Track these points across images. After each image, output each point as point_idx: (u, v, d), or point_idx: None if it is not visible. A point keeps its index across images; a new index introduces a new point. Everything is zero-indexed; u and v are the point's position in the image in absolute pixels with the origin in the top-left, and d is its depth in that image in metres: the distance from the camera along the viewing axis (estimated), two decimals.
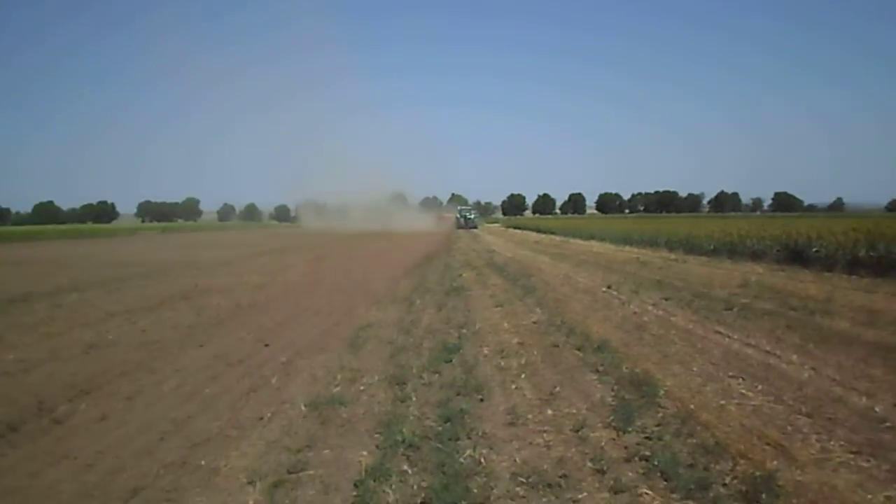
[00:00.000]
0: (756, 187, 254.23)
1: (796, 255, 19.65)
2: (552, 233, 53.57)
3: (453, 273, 19.19)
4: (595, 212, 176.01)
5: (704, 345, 8.47)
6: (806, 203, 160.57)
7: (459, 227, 76.84)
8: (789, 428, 5.27)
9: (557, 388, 6.64)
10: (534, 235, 51.50)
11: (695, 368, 7.27)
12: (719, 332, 9.26)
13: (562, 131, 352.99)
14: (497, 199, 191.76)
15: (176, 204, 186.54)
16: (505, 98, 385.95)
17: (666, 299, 12.44)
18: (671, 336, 9.11)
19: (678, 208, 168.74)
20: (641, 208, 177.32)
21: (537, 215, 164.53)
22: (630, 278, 16.58)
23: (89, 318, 11.78)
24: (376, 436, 5.39)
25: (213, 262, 26.35)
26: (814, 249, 18.76)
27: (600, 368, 7.32)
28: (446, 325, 10.40)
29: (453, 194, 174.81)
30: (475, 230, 70.66)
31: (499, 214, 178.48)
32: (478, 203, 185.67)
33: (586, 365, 7.54)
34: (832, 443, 4.93)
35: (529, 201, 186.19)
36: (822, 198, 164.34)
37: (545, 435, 5.31)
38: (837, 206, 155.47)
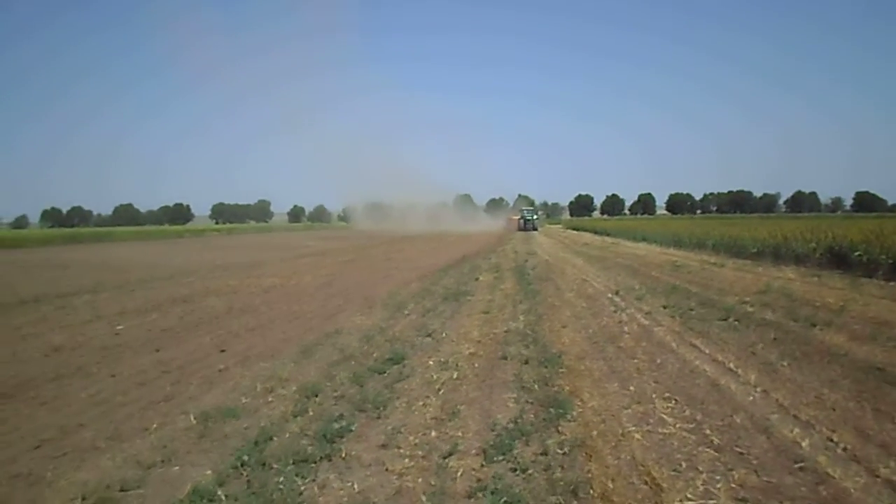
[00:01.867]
0: (837, 186, 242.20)
1: (840, 259, 18.34)
2: (607, 234, 52.31)
3: (471, 277, 18.63)
4: (665, 212, 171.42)
5: (666, 360, 7.75)
6: (890, 203, 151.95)
7: (519, 228, 75.04)
8: (684, 465, 4.60)
9: (462, 407, 6.10)
10: (587, 237, 50.31)
11: (632, 388, 6.59)
12: (694, 346, 8.49)
13: (633, 131, 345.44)
14: (565, 200, 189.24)
15: (248, 206, 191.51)
16: (576, 98, 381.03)
17: (665, 307, 11.64)
18: (638, 349, 8.40)
19: (753, 208, 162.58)
20: (714, 209, 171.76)
21: (605, 216, 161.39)
22: (647, 283, 15.72)
23: (76, 320, 11.97)
24: (238, 452, 5.03)
25: (247, 264, 26.67)
26: (856, 253, 17.39)
27: (528, 385, 6.73)
28: (415, 333, 9.96)
29: (520, 195, 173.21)
30: (534, 232, 68.65)
31: (567, 215, 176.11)
32: (545, 204, 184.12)
33: (517, 381, 6.96)
34: (720, 485, 4.25)
35: (598, 201, 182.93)
36: None
37: (407, 461, 4.82)
38: None
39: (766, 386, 6.47)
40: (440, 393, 6.62)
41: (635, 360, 7.77)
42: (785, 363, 7.39)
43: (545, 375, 7.10)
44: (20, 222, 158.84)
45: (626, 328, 9.87)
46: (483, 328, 10.19)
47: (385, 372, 7.58)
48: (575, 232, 67.57)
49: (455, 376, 7.27)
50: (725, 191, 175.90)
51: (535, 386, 6.71)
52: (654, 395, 6.28)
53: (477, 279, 17.97)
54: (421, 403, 6.28)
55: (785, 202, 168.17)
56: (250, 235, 78.56)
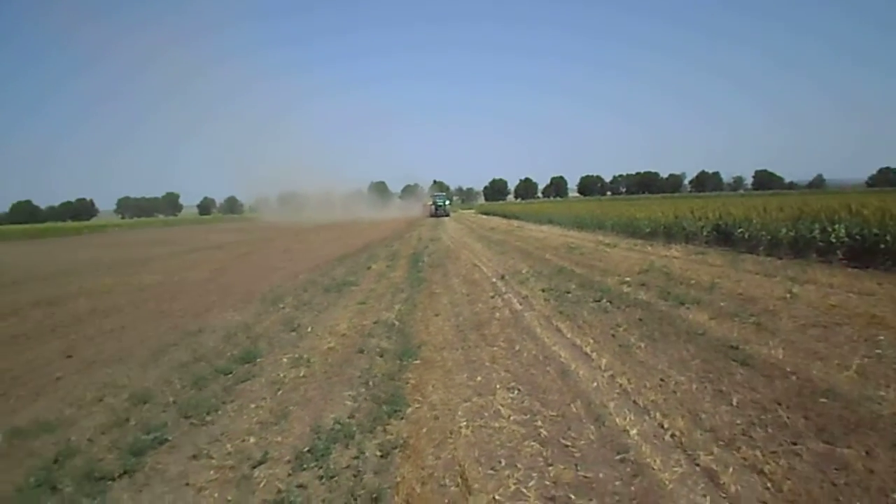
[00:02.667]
0: (738, 166, 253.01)
1: (725, 237, 18.78)
2: (516, 218, 52.77)
3: (364, 266, 18.12)
4: (577, 195, 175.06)
5: (524, 347, 7.48)
6: (787, 180, 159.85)
7: (431, 214, 74.59)
8: (503, 462, 4.32)
9: (294, 408, 5.64)
10: (496, 221, 50.55)
11: (479, 378, 6.27)
12: (558, 330, 8.28)
13: (545, 115, 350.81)
14: (480, 185, 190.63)
15: (156, 199, 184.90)
16: (490, 83, 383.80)
17: (544, 290, 11.45)
18: (501, 336, 8.12)
19: (660, 188, 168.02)
20: (623, 190, 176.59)
21: (519, 200, 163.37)
22: (536, 266, 15.57)
23: None
24: (32, 473, 4.59)
25: (136, 260, 25.53)
26: (738, 230, 17.81)
27: (373, 381, 6.31)
28: (281, 329, 9.44)
29: (434, 181, 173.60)
30: (445, 217, 68.29)
31: (482, 200, 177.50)
32: (459, 189, 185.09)
33: (364, 376, 6.57)
34: (533, 483, 3.97)
35: (512, 186, 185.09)
36: (804, 175, 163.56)
37: (213, 472, 4.40)
38: (818, 184, 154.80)
39: (615, 370, 6.26)
40: (278, 394, 6.16)
41: (493, 349, 7.47)
42: (642, 345, 7.23)
43: (394, 370, 6.74)
44: None
45: (497, 314, 9.58)
46: (353, 320, 9.75)
47: (231, 373, 7.07)
48: (485, 216, 67.92)
49: (302, 374, 6.84)
50: (634, 172, 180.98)
51: (381, 381, 6.31)
52: (498, 386, 5.98)
53: (369, 268, 17.50)
54: (254, 406, 5.81)
55: (690, 182, 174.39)
56: (153, 230, 75.54)
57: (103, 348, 8.97)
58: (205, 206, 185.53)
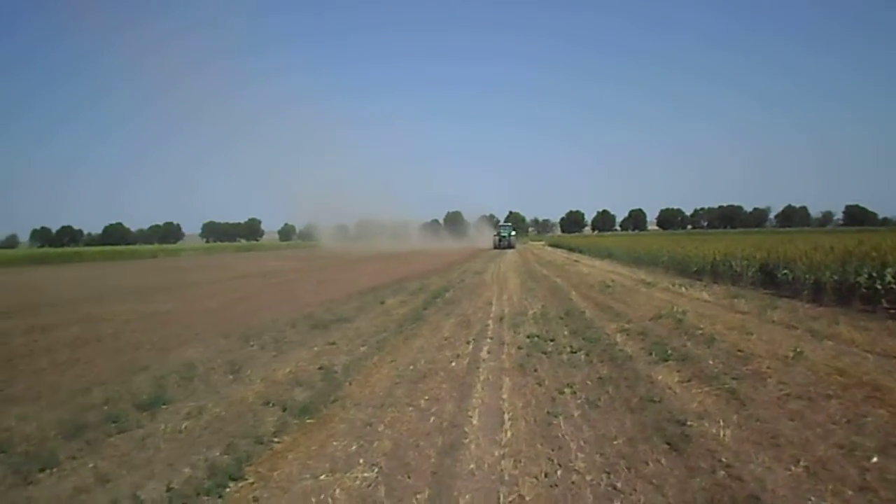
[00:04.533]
0: (827, 200, 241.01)
1: (771, 278, 17.15)
2: (579, 251, 51.48)
3: (379, 299, 17.41)
4: (657, 228, 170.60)
5: (442, 409, 6.53)
6: (880, 216, 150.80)
7: (495, 246, 71.14)
8: None
9: (125, 473, 4.83)
10: (557, 255, 49.28)
11: (353, 447, 5.36)
12: (499, 389, 7.29)
13: (625, 147, 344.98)
14: (556, 217, 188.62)
15: (238, 224, 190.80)
16: (564, 117, 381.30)
17: (529, 336, 10.45)
18: (430, 393, 7.19)
19: (744, 223, 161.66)
20: (705, 224, 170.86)
21: (596, 232, 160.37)
22: (552, 306, 14.63)
23: None
24: None
25: (172, 286, 25.85)
26: (783, 272, 16.18)
27: (236, 444, 5.48)
28: (225, 371, 8.79)
29: (510, 212, 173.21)
30: (509, 249, 66.53)
31: (558, 231, 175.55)
32: (535, 220, 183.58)
33: (236, 436, 5.71)
34: None
35: (589, 218, 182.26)
36: None
37: None
38: None
39: (514, 447, 5.21)
40: (132, 453, 5.44)
41: (409, 408, 6.54)
42: (575, 414, 6.17)
43: (275, 429, 5.96)
44: (10, 241, 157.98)
45: (453, 364, 8.63)
46: (301, 364, 9.01)
47: (118, 421, 6.45)
48: (550, 249, 66.54)
49: (184, 426, 6.13)
50: (716, 206, 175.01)
51: (246, 444, 5.49)
52: (361, 461, 5.06)
53: (382, 303, 16.75)
54: (91, 466, 5.08)
55: (776, 216, 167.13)
56: (224, 255, 77.49)
57: (35, 383, 8.50)
58: (285, 233, 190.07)
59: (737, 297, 15.13)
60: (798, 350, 8.34)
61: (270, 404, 6.88)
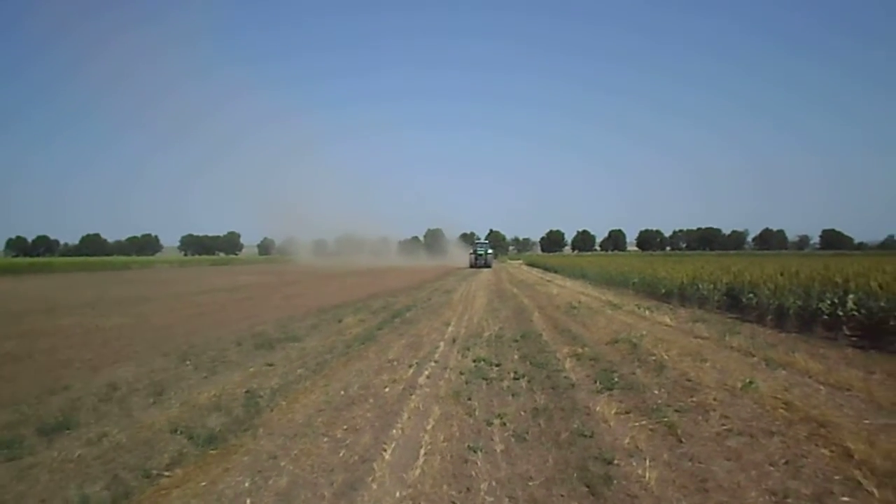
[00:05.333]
0: (804, 224, 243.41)
1: (736, 302, 16.85)
2: (555, 271, 51.22)
3: (336, 318, 16.89)
4: (636, 248, 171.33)
5: (357, 441, 6.06)
6: (856, 241, 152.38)
7: (471, 265, 69.07)
8: None
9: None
10: (532, 274, 48.88)
11: (229, 493, 4.77)
12: (425, 418, 6.81)
13: (603, 168, 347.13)
14: (536, 236, 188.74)
15: (218, 237, 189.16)
16: (546, 133, 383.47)
17: (475, 361, 9.97)
18: (352, 423, 6.69)
19: (722, 245, 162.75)
20: (683, 245, 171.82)
21: (576, 252, 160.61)
22: (508, 328, 14.28)
23: None
24: None
25: (134, 299, 25.13)
26: (748, 296, 15.88)
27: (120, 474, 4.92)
28: (147, 393, 8.25)
29: (491, 230, 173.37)
30: (486, 268, 65.01)
31: (538, 250, 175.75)
32: (516, 239, 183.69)
33: (107, 474, 5.14)
34: None
35: (569, 237, 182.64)
36: (876, 235, 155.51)
37: None
38: (890, 244, 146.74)
39: (416, 489, 4.73)
40: None
41: (323, 439, 6.09)
42: (498, 449, 5.72)
43: (158, 464, 5.34)
44: None
45: (387, 390, 8.17)
46: (228, 387, 8.47)
47: (12, 447, 5.85)
48: (527, 268, 66.20)
49: (76, 455, 5.60)
50: (695, 227, 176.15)
51: (132, 479, 4.91)
52: (247, 502, 4.49)
53: (339, 321, 16.22)
54: None
55: (753, 239, 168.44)
56: (197, 268, 76.44)
57: None
58: (264, 247, 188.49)
59: (699, 321, 14.80)
60: (748, 380, 7.96)
61: (178, 432, 6.37)
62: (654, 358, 9.89)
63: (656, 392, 7.66)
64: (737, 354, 10.25)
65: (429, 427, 6.41)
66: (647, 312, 17.15)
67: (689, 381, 8.24)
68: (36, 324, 16.34)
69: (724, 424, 6.23)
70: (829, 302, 12.52)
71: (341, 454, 5.62)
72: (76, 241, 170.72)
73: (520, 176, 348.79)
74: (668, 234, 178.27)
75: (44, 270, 61.56)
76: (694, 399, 7.26)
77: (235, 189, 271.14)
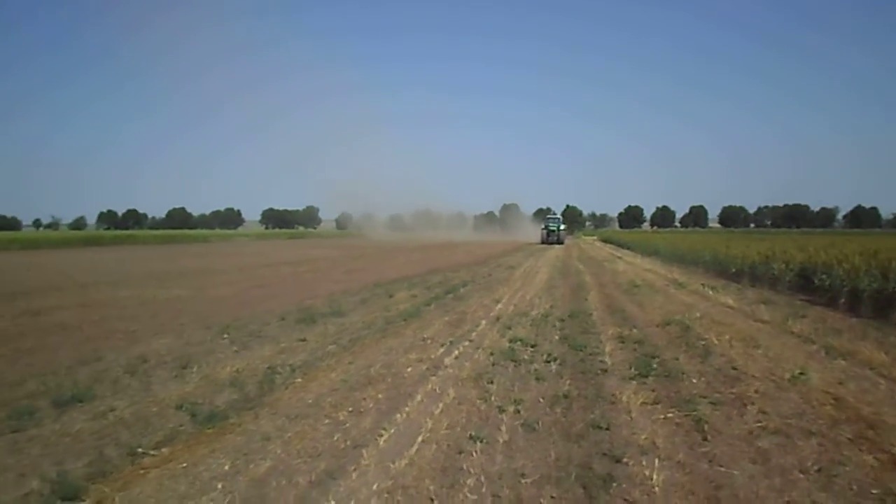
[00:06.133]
0: None
1: (808, 283, 15.79)
2: (628, 247, 49.81)
3: (392, 291, 16.75)
4: (718, 225, 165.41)
5: (358, 423, 5.70)
6: None
7: (542, 241, 65.02)
8: None
9: None
10: (603, 251, 47.67)
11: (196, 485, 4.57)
12: (438, 399, 6.40)
13: (685, 141, 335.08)
14: (615, 211, 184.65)
15: (297, 211, 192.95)
16: (631, 110, 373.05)
17: (512, 341, 9.55)
18: (366, 401, 6.36)
19: (810, 223, 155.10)
20: (768, 223, 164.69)
21: (655, 228, 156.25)
22: (562, 306, 13.80)
23: None
24: None
25: (201, 271, 26.07)
26: (820, 277, 14.82)
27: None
28: (174, 366, 8.24)
29: (567, 206, 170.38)
30: (558, 245, 61.68)
31: (616, 226, 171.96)
32: (593, 214, 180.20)
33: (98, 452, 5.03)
34: None
35: (649, 213, 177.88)
36: None
37: None
38: None
39: (397, 482, 4.40)
40: None
41: (326, 421, 5.82)
42: (501, 439, 5.29)
43: (155, 442, 5.19)
44: (78, 223, 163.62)
45: (410, 369, 7.90)
46: (253, 361, 8.37)
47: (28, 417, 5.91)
48: (600, 244, 64.68)
49: (76, 429, 5.49)
50: (781, 204, 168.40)
51: (116, 457, 4.78)
52: (219, 486, 4.31)
53: (391, 296, 16.07)
54: None
55: (844, 217, 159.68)
56: (274, 242, 78.12)
57: None
58: (342, 221, 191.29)
59: (765, 303, 13.90)
60: (800, 371, 7.29)
61: (183, 408, 6.25)
62: (703, 343, 9.25)
63: (694, 381, 7.09)
64: (795, 341, 9.48)
65: (437, 412, 6.07)
66: (710, 292, 16.28)
67: (734, 369, 7.62)
68: (97, 294, 16.83)
69: (759, 421, 5.64)
70: None
71: (335, 438, 5.35)
72: (163, 215, 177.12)
73: (598, 152, 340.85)
74: (752, 210, 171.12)
75: (126, 242, 64.04)
76: (734, 390, 6.66)
77: (314, 165, 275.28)
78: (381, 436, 5.37)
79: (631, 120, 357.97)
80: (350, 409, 6.23)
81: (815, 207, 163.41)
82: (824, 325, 10.77)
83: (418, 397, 6.61)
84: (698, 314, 12.00)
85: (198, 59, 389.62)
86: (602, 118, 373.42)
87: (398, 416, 5.97)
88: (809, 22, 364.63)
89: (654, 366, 7.80)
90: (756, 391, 6.60)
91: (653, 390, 6.75)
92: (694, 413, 5.86)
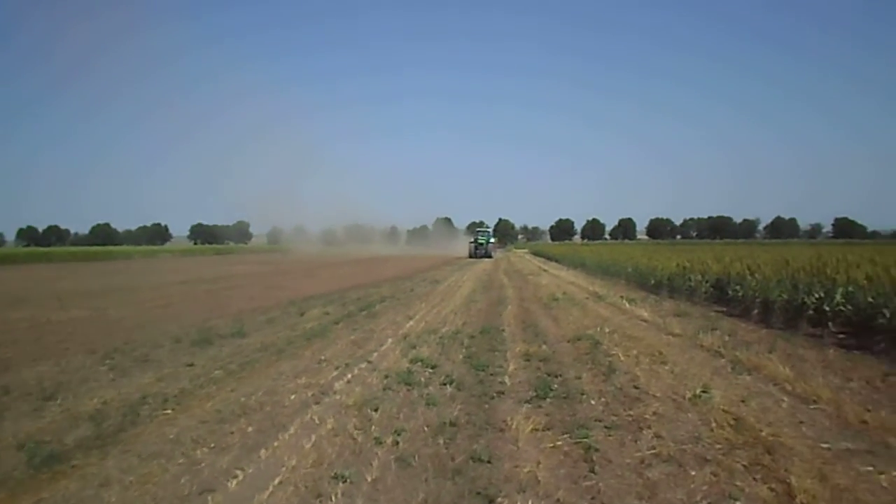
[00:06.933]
0: (817, 213, 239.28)
1: (723, 294, 15.80)
2: (556, 260, 50.17)
3: (303, 309, 15.98)
4: (646, 237, 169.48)
5: (213, 464, 5.01)
6: (870, 229, 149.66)
7: (470, 255, 63.49)
8: None
9: None
10: (531, 264, 47.79)
11: None
12: (315, 427, 5.75)
13: (616, 156, 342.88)
14: (546, 224, 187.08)
15: (227, 227, 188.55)
16: (557, 125, 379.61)
17: (412, 361, 8.99)
18: (213, 443, 5.68)
19: (733, 234, 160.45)
20: (694, 234, 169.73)
21: (585, 241, 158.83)
22: (478, 322, 13.40)
23: None
24: None
25: (109, 290, 24.80)
26: (734, 289, 14.81)
27: None
28: (36, 398, 7.31)
29: (500, 219, 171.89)
30: (487, 259, 60.50)
31: (548, 239, 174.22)
32: (525, 228, 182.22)
33: None
34: None
35: (580, 226, 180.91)
36: (889, 223, 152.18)
37: None
38: None
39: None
40: None
41: (181, 460, 5.06)
42: (368, 478, 4.69)
43: None
44: None
45: (293, 396, 7.23)
46: (125, 391, 7.57)
47: None
48: (529, 257, 65.09)
49: None
50: (706, 216, 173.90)
51: None
52: None
53: (302, 314, 15.48)
54: None
55: (764, 228, 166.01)
56: (198, 258, 75.71)
57: None
58: (273, 236, 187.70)
59: (679, 315, 13.79)
60: (703, 389, 6.98)
61: (24, 448, 5.49)
62: (609, 359, 8.91)
63: (593, 402, 6.68)
64: (704, 355, 9.24)
65: (308, 445, 5.45)
66: (627, 304, 16.13)
67: (636, 388, 7.26)
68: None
69: (652, 448, 5.22)
70: (815, 296, 11.44)
71: (181, 482, 4.69)
72: (86, 231, 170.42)
73: (529, 166, 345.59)
74: (678, 222, 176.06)
75: (42, 260, 60.92)
76: (632, 412, 6.26)
77: (244, 180, 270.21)
78: (236, 477, 4.74)
79: (562, 134, 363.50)
80: (212, 444, 5.56)
81: (738, 219, 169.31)
82: (734, 338, 10.59)
83: (291, 429, 5.98)
84: (610, 328, 11.73)
85: (124, 69, 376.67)
86: (533, 132, 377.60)
87: (262, 452, 5.33)
88: (735, 28, 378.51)
89: (555, 386, 7.39)
90: (654, 413, 6.22)
91: (547, 414, 6.30)
92: (585, 440, 5.41)
